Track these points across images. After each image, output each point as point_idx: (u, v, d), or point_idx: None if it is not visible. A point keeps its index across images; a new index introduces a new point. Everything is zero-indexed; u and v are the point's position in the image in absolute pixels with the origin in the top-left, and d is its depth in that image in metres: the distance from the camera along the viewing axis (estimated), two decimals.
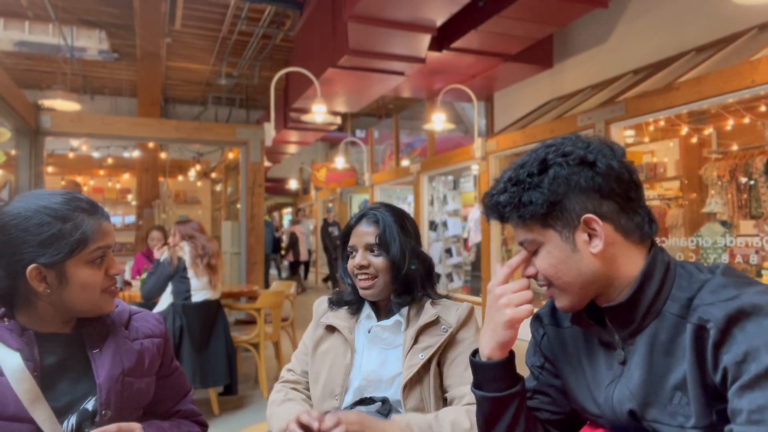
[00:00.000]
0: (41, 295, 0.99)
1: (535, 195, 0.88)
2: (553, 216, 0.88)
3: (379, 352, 1.40)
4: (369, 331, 1.43)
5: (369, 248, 1.41)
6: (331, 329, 1.46)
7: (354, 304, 1.47)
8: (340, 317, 1.47)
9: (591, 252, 0.88)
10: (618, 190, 0.88)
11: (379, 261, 1.40)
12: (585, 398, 0.97)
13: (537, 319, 1.09)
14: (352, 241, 1.44)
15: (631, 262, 0.90)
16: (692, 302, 0.83)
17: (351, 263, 1.43)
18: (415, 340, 1.37)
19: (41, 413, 0.94)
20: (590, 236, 0.88)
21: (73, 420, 0.98)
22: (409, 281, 1.41)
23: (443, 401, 1.36)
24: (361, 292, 1.42)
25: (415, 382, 1.33)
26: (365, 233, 1.42)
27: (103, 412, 0.99)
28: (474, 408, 1.25)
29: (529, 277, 0.96)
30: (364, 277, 1.40)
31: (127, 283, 4.40)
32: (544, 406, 1.06)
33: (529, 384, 1.08)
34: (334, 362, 1.41)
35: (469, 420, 1.22)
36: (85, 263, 1.00)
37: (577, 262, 0.89)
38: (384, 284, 1.40)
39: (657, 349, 0.86)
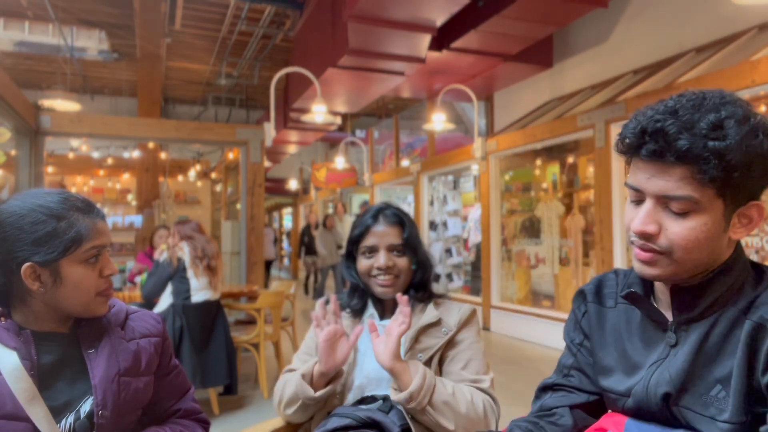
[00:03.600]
0: (35, 293, 0.99)
1: (746, 162, 0.75)
2: (735, 188, 0.78)
3: None
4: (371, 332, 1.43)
5: (392, 249, 1.40)
6: None
7: (358, 305, 1.47)
8: (343, 317, 1.47)
9: (731, 237, 0.83)
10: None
11: (403, 261, 1.40)
12: (613, 378, 0.95)
13: (581, 294, 1.05)
14: (370, 241, 1.41)
15: (729, 252, 0.86)
16: (757, 299, 0.81)
17: (367, 263, 1.41)
18: (416, 340, 1.37)
19: (38, 412, 0.94)
20: (739, 221, 0.82)
21: (70, 419, 0.98)
22: (424, 281, 1.44)
23: None
24: (380, 291, 1.41)
25: None
26: (387, 233, 1.40)
27: (100, 412, 0.99)
28: (483, 395, 1.29)
29: (643, 234, 0.82)
30: (386, 277, 1.39)
31: (132, 283, 4.40)
32: (581, 384, 1.02)
33: (566, 361, 1.05)
34: None
35: (482, 404, 1.28)
36: (79, 262, 1.00)
37: (719, 243, 0.82)
38: (403, 284, 1.42)
39: (711, 340, 0.84)
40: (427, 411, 1.22)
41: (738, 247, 0.87)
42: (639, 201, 0.84)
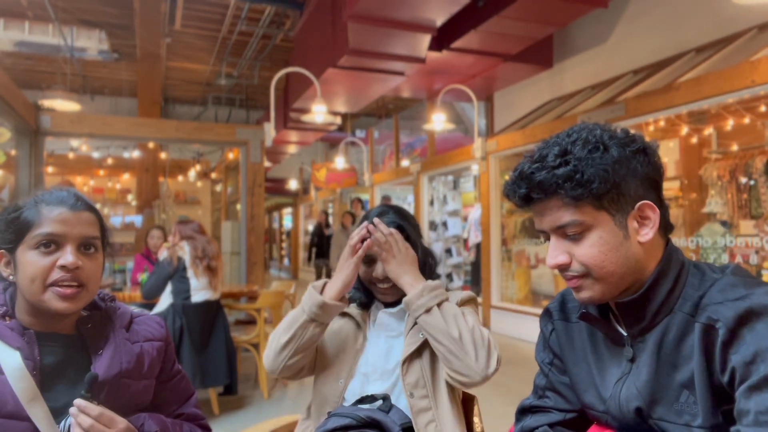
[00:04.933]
0: (16, 284, 1.02)
1: (600, 173, 0.83)
2: (609, 198, 0.84)
3: (385, 340, 1.42)
4: (374, 321, 1.45)
5: None
6: (342, 314, 1.47)
7: (365, 300, 1.48)
8: (351, 308, 1.48)
9: (638, 241, 0.87)
10: (660, 182, 0.89)
11: None
12: (591, 394, 0.97)
13: (546, 313, 1.08)
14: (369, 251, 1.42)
15: (656, 257, 0.89)
16: (701, 301, 0.83)
17: (367, 271, 1.42)
18: (416, 322, 1.38)
19: (38, 412, 0.94)
20: (639, 224, 0.87)
21: (70, 420, 0.98)
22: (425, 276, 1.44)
23: (444, 376, 1.36)
24: (381, 297, 1.44)
25: (414, 357, 1.36)
26: None
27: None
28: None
29: (557, 266, 0.89)
30: (385, 285, 1.40)
31: (136, 284, 4.39)
32: (556, 404, 1.04)
33: (540, 382, 1.07)
34: (345, 344, 1.43)
35: (487, 333, 1.30)
36: (28, 248, 1.00)
37: (626, 250, 0.86)
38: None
39: (666, 347, 0.86)
40: (433, 312, 1.27)
41: (668, 251, 0.89)
42: (548, 239, 0.91)
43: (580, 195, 0.83)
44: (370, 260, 1.42)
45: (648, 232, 0.87)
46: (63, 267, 0.98)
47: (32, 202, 1.02)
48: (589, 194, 0.83)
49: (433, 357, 1.36)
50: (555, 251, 0.89)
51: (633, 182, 0.85)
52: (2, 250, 1.01)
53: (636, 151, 0.86)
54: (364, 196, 12.21)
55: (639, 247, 0.87)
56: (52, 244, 0.99)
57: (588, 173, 0.83)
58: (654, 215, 0.86)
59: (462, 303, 1.41)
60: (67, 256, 0.99)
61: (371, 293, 1.48)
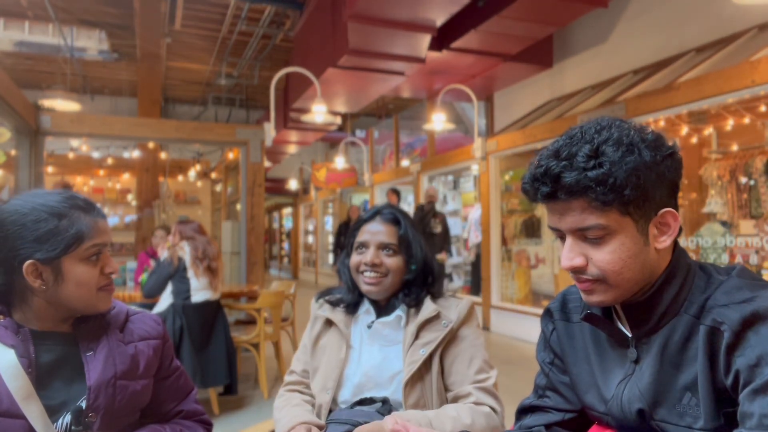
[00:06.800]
0: (37, 291, 0.99)
1: (632, 179, 0.79)
2: (635, 203, 0.81)
3: (379, 348, 1.39)
4: (369, 327, 1.42)
5: (382, 247, 1.40)
6: (329, 323, 1.46)
7: (351, 302, 1.46)
8: (336, 311, 1.47)
9: (656, 247, 0.85)
10: (679, 186, 0.87)
11: (392, 261, 1.39)
12: (592, 395, 0.96)
13: (547, 313, 1.07)
14: (363, 237, 1.42)
15: (666, 260, 0.88)
16: (707, 303, 0.82)
17: (357, 259, 1.41)
18: (416, 336, 1.36)
19: (33, 410, 0.94)
20: (659, 231, 0.85)
21: (66, 418, 0.98)
22: (419, 281, 1.42)
23: (446, 399, 1.35)
24: (365, 288, 1.40)
25: (416, 379, 1.31)
26: (380, 231, 1.41)
27: (90, 414, 0.99)
28: (478, 407, 1.24)
29: (572, 269, 0.86)
30: (372, 275, 1.38)
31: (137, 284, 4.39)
32: (556, 404, 1.04)
33: (540, 381, 1.07)
34: (330, 357, 1.41)
35: (471, 417, 1.22)
36: (80, 260, 1.01)
37: (644, 257, 0.85)
38: (391, 284, 1.40)
39: (670, 349, 0.85)
40: None
41: (676, 254, 0.89)
42: (562, 238, 0.88)
43: (611, 200, 0.80)
44: (362, 246, 1.42)
45: (666, 240, 0.85)
46: (110, 273, 1.05)
47: (71, 212, 1.01)
48: (619, 200, 0.80)
49: (436, 379, 1.33)
50: (571, 253, 0.86)
51: (659, 188, 0.83)
52: (32, 261, 0.97)
53: (665, 156, 0.84)
54: (364, 197, 12.20)
55: (656, 254, 0.86)
56: (100, 253, 1.04)
57: (621, 178, 0.79)
58: (675, 223, 0.85)
59: (463, 319, 1.38)
60: (112, 263, 1.06)
61: (360, 293, 1.46)
